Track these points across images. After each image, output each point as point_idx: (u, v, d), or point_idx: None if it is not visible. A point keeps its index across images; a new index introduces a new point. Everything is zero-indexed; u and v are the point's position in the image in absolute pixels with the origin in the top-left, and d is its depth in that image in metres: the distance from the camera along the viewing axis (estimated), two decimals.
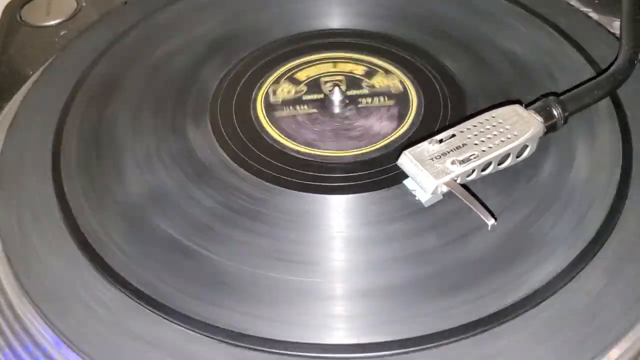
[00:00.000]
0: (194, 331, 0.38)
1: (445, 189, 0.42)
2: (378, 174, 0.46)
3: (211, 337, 0.38)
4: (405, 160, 0.42)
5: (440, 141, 0.43)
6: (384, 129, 0.49)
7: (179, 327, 0.39)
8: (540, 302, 0.39)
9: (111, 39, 0.56)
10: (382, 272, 0.41)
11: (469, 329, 0.38)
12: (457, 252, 0.42)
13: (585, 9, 0.59)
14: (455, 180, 0.42)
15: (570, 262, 0.41)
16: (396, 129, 0.49)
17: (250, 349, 0.38)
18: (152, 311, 0.39)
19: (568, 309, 0.39)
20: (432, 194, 0.42)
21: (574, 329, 0.38)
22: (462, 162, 0.42)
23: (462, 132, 0.44)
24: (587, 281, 0.40)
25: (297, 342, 0.38)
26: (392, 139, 0.48)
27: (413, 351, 0.37)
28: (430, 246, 0.42)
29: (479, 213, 0.40)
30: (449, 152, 0.42)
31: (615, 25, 0.57)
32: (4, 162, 0.48)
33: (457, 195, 0.41)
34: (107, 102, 0.51)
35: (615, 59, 0.49)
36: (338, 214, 0.44)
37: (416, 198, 0.43)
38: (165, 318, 0.39)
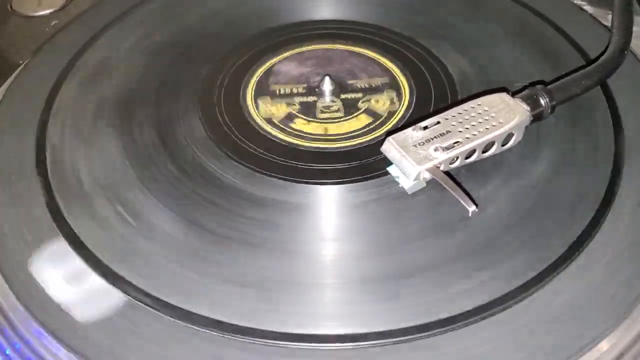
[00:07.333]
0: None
1: (428, 175, 0.41)
2: None
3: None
4: (389, 147, 0.42)
5: (425, 128, 0.42)
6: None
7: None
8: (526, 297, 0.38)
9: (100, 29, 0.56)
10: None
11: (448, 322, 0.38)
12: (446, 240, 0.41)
13: (579, 2, 0.58)
14: (438, 167, 0.41)
15: (561, 255, 0.40)
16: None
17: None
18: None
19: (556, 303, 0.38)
20: (414, 180, 0.41)
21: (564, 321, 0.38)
22: (446, 149, 0.41)
23: (447, 119, 0.43)
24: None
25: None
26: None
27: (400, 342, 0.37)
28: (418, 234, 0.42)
29: (460, 199, 0.40)
30: (432, 139, 0.42)
31: (610, 18, 0.56)
32: None
33: (439, 181, 0.40)
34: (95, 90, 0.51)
35: (606, 49, 0.49)
36: None
37: (399, 185, 0.42)
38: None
